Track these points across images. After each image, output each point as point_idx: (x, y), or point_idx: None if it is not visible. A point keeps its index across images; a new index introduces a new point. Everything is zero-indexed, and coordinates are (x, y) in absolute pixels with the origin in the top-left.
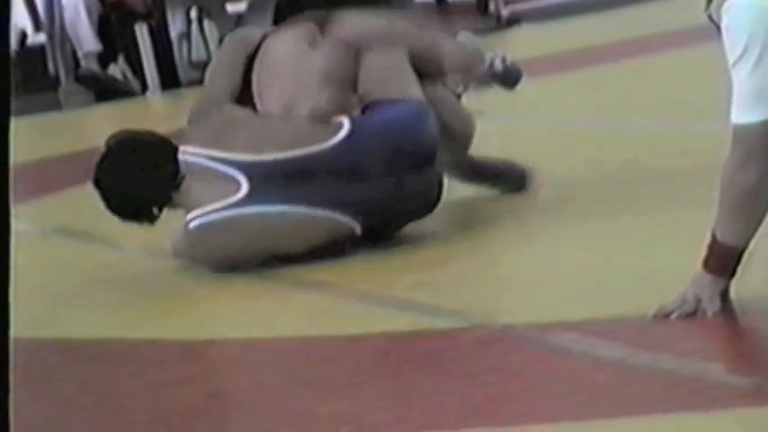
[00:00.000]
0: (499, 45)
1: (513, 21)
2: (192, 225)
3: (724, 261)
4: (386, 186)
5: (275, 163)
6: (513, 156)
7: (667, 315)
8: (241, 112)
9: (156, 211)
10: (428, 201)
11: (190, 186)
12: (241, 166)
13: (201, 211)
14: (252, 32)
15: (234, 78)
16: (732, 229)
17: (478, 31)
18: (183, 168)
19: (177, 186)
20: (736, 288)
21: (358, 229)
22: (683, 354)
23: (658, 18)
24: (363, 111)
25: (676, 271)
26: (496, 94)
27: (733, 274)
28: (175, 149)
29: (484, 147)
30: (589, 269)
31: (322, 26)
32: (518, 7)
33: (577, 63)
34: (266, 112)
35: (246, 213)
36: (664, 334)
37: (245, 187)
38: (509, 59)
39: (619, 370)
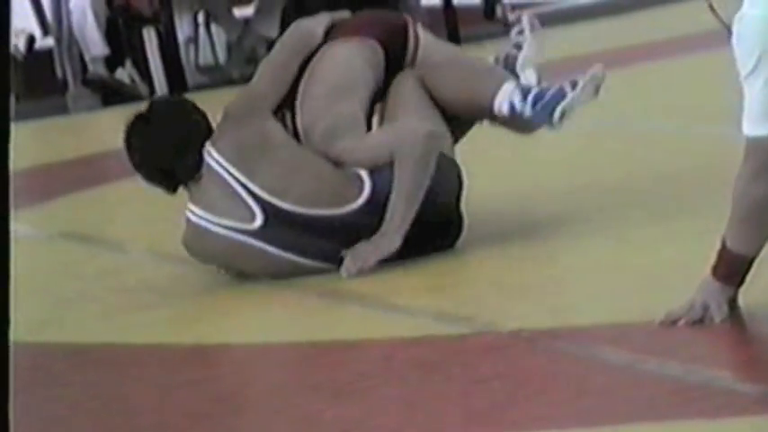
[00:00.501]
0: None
1: None
2: (194, 220)
3: (733, 269)
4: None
5: (295, 214)
6: (521, 160)
7: (674, 322)
8: (275, 135)
9: (173, 185)
10: (443, 235)
11: (207, 186)
12: (260, 201)
13: (211, 218)
14: (316, 27)
15: (285, 78)
16: (743, 238)
17: (485, 37)
18: (204, 168)
19: (197, 178)
20: (744, 295)
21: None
22: (691, 360)
23: (667, 23)
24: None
25: (685, 277)
26: None
27: (742, 282)
28: (205, 138)
29: (493, 151)
30: (597, 275)
31: (339, 28)
32: (525, 12)
33: (584, 68)
34: (303, 129)
35: (253, 245)
36: (671, 340)
37: (259, 221)
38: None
39: (626, 376)
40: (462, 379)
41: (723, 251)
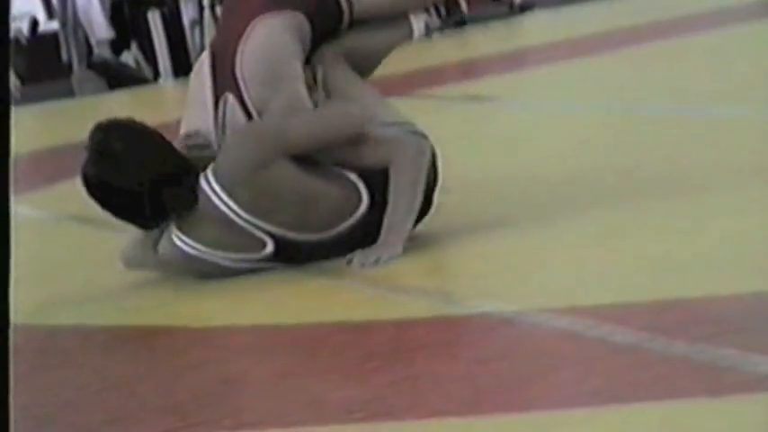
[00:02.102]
0: (512, 31)
1: (526, 7)
2: (192, 252)
3: None
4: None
5: (306, 242)
6: (522, 140)
7: None
8: (287, 178)
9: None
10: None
11: (203, 219)
12: (270, 234)
13: (213, 252)
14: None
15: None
16: None
17: (490, 18)
18: (201, 199)
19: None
20: (752, 272)
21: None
22: (698, 339)
23: (671, 3)
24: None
25: (690, 257)
26: (508, 79)
27: None
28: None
29: (494, 131)
30: (602, 255)
31: None
32: None
33: (590, 49)
34: (256, 109)
35: (264, 266)
36: (677, 319)
37: (270, 248)
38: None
39: (633, 355)
40: (468, 359)
41: None
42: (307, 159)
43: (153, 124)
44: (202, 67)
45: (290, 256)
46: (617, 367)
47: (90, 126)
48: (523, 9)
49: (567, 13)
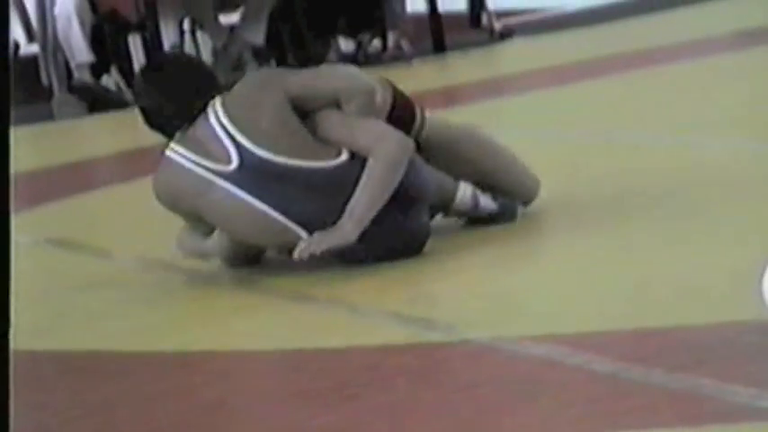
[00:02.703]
0: (492, 58)
1: (506, 34)
2: (174, 157)
3: None
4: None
5: (271, 162)
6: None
7: None
8: (271, 102)
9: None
10: (409, 244)
11: (196, 131)
12: (237, 144)
13: (191, 156)
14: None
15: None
16: None
17: (470, 44)
18: (202, 116)
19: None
20: (731, 301)
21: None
22: (676, 368)
23: (652, 32)
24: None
25: (671, 285)
26: (488, 106)
27: None
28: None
29: None
30: (582, 283)
31: None
32: (511, 20)
33: (570, 77)
34: None
35: (226, 188)
36: (656, 348)
37: (234, 164)
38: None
39: (612, 383)
40: (448, 386)
41: None
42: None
43: (133, 148)
44: None
45: (255, 183)
46: (595, 396)
47: (69, 150)
48: (503, 36)
49: (546, 40)
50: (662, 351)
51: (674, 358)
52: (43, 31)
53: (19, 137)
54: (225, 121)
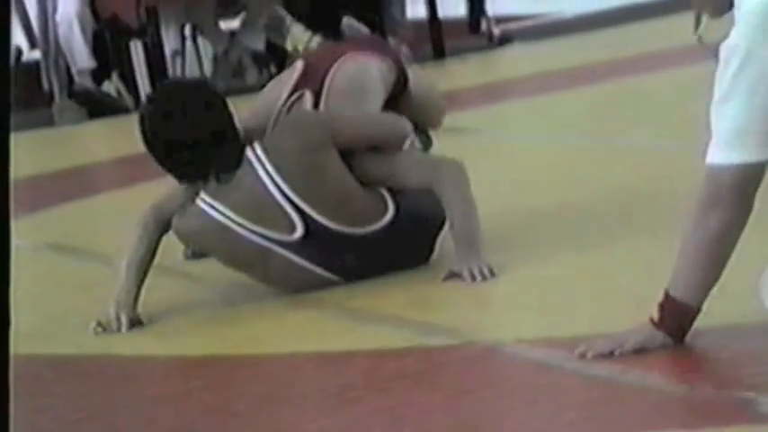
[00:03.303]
0: (491, 63)
1: (505, 40)
2: (217, 217)
3: (678, 320)
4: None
5: (334, 232)
6: (503, 172)
7: (608, 354)
8: (334, 167)
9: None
10: (421, 257)
11: (240, 186)
12: (304, 215)
13: (240, 220)
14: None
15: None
16: (690, 282)
17: (470, 50)
18: (243, 166)
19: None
20: (727, 307)
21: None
22: (673, 372)
23: (650, 37)
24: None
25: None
26: (487, 111)
27: (684, 335)
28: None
29: (472, 164)
30: (580, 288)
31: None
32: (510, 26)
33: (569, 82)
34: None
35: (283, 255)
36: (653, 352)
37: (299, 233)
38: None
39: (609, 387)
40: (447, 391)
41: (667, 302)
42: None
43: (133, 154)
44: (292, 72)
45: (313, 249)
46: (592, 399)
47: (70, 155)
48: (502, 42)
49: (545, 46)
50: (659, 354)
51: (670, 362)
52: (45, 37)
53: (19, 142)
54: (284, 186)
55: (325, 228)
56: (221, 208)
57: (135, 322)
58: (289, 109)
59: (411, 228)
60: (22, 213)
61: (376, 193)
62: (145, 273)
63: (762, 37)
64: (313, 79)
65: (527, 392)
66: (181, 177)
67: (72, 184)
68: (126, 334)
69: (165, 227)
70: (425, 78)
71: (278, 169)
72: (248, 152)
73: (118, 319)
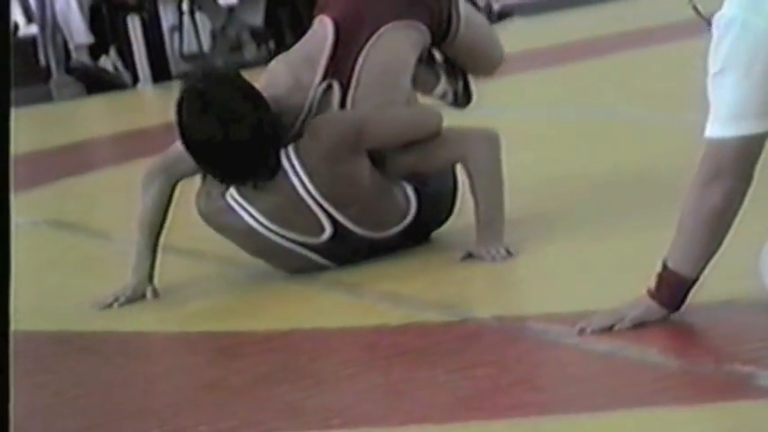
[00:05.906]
0: None
1: (505, 14)
2: (249, 221)
3: (676, 293)
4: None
5: (359, 236)
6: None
7: (596, 330)
8: (364, 175)
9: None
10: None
11: (274, 191)
12: (334, 223)
13: (271, 225)
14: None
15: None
16: (689, 256)
17: None
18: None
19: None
20: (726, 282)
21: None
22: (672, 347)
23: (650, 12)
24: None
25: None
26: (487, 86)
27: (680, 306)
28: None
29: None
30: (578, 263)
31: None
32: (509, 1)
33: (569, 56)
34: (354, 103)
35: (304, 255)
36: (652, 327)
37: (326, 235)
38: (459, 89)
39: (608, 363)
40: (446, 366)
41: (665, 273)
42: (374, 161)
43: (131, 130)
44: (323, 43)
45: (337, 250)
46: (593, 374)
47: (67, 131)
48: (502, 17)
49: (545, 20)
50: (658, 330)
51: (669, 338)
52: (42, 12)
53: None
54: (315, 192)
55: (351, 231)
56: (252, 211)
57: (151, 292)
58: (317, 105)
59: (430, 220)
60: (20, 189)
61: (400, 191)
62: (158, 236)
63: (756, 6)
64: (342, 65)
65: (525, 368)
66: (222, 181)
67: (70, 159)
68: (125, 309)
69: (174, 187)
70: (478, 19)
71: (309, 175)
72: (283, 159)
73: (134, 289)
